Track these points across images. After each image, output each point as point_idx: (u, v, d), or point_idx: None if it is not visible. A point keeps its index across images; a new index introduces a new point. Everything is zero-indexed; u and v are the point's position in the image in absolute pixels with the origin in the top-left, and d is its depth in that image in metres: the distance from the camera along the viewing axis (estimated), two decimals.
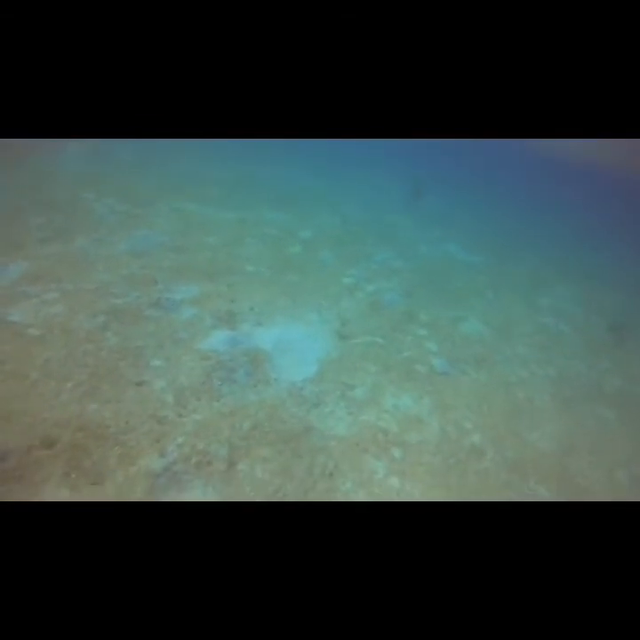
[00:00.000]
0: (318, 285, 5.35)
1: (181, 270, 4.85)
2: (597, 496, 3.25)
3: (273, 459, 2.98)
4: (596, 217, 13.27)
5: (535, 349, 5.08)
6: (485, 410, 3.91)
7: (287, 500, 2.45)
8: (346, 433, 3.34)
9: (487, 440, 3.57)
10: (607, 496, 3.27)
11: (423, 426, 3.58)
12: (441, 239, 8.00)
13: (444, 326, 5.18)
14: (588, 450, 3.77)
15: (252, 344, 4.01)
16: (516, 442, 3.62)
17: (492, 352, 4.86)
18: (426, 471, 3.16)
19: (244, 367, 3.72)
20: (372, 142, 16.87)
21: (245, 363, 3.77)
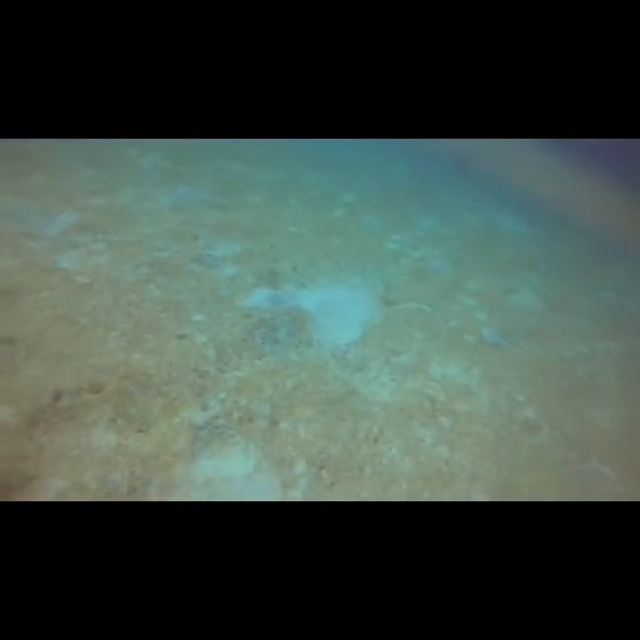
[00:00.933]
0: (362, 249, 5.14)
1: (223, 228, 4.74)
2: None
3: (316, 420, 2.89)
4: None
5: (595, 324, 4.72)
6: (540, 384, 3.66)
7: (288, 501, 2.36)
8: (390, 399, 3.20)
9: (542, 415, 3.34)
10: None
11: (472, 396, 3.39)
12: (490, 209, 7.54)
13: (494, 297, 4.89)
14: None
15: (294, 304, 3.89)
16: (575, 419, 3.38)
17: (547, 325, 4.55)
18: (476, 442, 2.99)
19: (286, 327, 3.60)
20: None
21: (288, 322, 3.65)
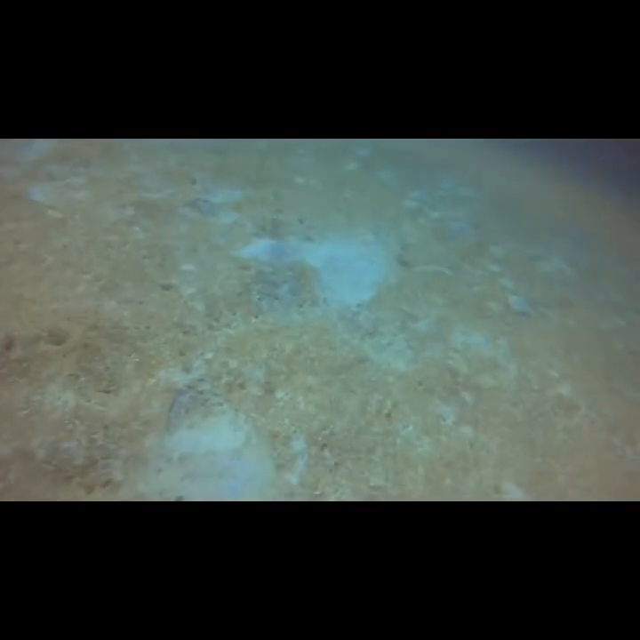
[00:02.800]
0: (376, 205, 4.61)
1: (223, 173, 4.21)
2: None
3: (318, 390, 2.46)
4: None
5: (634, 296, 4.23)
6: (575, 359, 3.21)
7: (289, 501, 1.91)
8: (406, 369, 2.77)
9: (578, 393, 2.90)
10: None
11: (499, 370, 2.94)
12: (516, 170, 6.91)
13: (521, 263, 4.38)
14: None
15: (299, 258, 3.41)
16: (616, 399, 2.94)
17: (580, 296, 4.06)
18: (504, 422, 2.57)
19: (288, 283, 3.14)
20: None
21: (290, 278, 3.19)
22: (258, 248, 3.31)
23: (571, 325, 3.58)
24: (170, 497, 1.77)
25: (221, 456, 1.97)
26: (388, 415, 2.44)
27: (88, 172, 3.44)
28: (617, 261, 4.93)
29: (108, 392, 2.04)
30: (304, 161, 5.07)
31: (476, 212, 5.26)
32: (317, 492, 1.99)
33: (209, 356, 2.42)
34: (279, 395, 2.38)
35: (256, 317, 2.79)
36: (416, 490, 2.11)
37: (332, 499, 1.98)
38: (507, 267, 4.26)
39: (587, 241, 5.20)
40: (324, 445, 2.17)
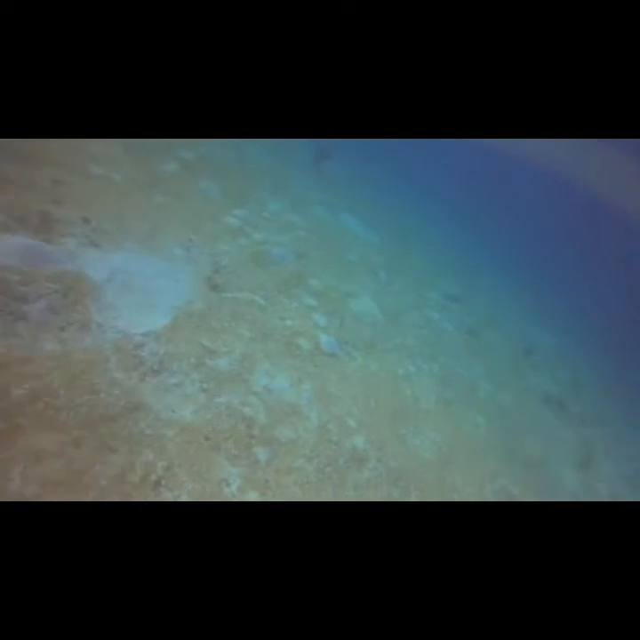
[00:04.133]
0: (193, 216, 4.09)
1: None
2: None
3: (57, 453, 1.79)
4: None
5: (422, 342, 4.62)
6: (372, 406, 3.21)
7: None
8: (193, 418, 2.29)
9: (371, 444, 2.86)
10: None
11: (300, 419, 2.71)
12: (339, 206, 7.22)
13: (335, 299, 4.40)
14: (464, 461, 3.35)
15: (73, 267, 2.65)
16: (401, 448, 3.00)
17: (382, 338, 4.24)
18: (296, 482, 2.30)
19: (48, 297, 2.37)
20: None
21: (54, 292, 2.42)
22: (4, 246, 2.43)
23: (372, 369, 3.65)
24: None
25: None
26: (157, 483, 1.92)
27: None
28: (414, 305, 5.42)
29: None
30: (109, 149, 4.24)
31: (300, 240, 5.19)
32: None
33: None
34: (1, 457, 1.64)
35: None
36: None
37: None
38: (322, 301, 4.20)
39: (392, 284, 5.62)
40: None
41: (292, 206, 5.88)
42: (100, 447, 1.91)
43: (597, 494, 4.20)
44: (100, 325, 2.45)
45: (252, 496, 2.09)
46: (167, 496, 1.89)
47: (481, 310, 6.53)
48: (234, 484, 2.09)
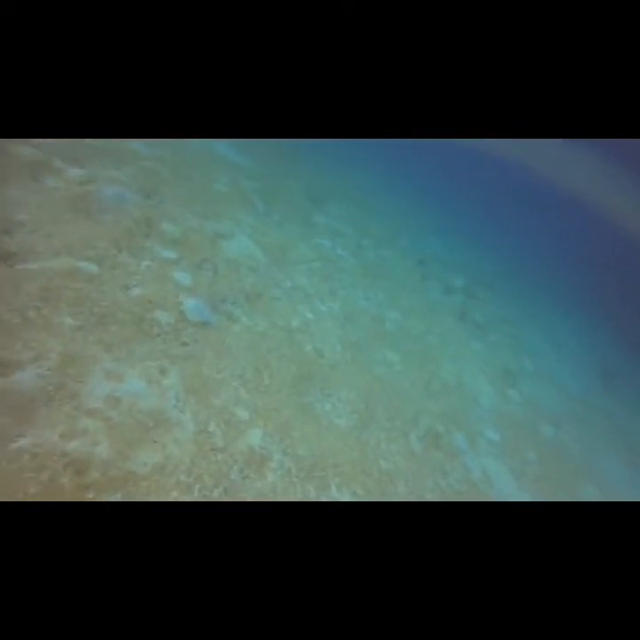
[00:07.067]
0: None
1: None
2: (399, 477, 2.43)
3: None
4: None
5: (317, 279, 3.98)
6: (266, 380, 2.55)
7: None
8: None
9: (271, 435, 2.24)
10: (409, 469, 2.50)
11: (167, 429, 1.95)
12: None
13: (201, 245, 3.48)
14: (384, 413, 2.94)
15: None
16: (309, 426, 2.44)
17: (268, 284, 3.50)
18: None
19: None
20: None
21: None
22: None
23: (260, 329, 2.93)
24: None
25: None
26: None
27: None
28: (301, 236, 4.69)
29: None
30: None
31: (148, 173, 4.02)
32: None
33: None
34: None
35: None
36: None
37: None
38: (184, 251, 3.27)
39: (272, 214, 4.77)
40: None
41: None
42: None
43: (510, 400, 4.21)
44: None
45: None
46: None
47: (374, 230, 6.03)
48: None
